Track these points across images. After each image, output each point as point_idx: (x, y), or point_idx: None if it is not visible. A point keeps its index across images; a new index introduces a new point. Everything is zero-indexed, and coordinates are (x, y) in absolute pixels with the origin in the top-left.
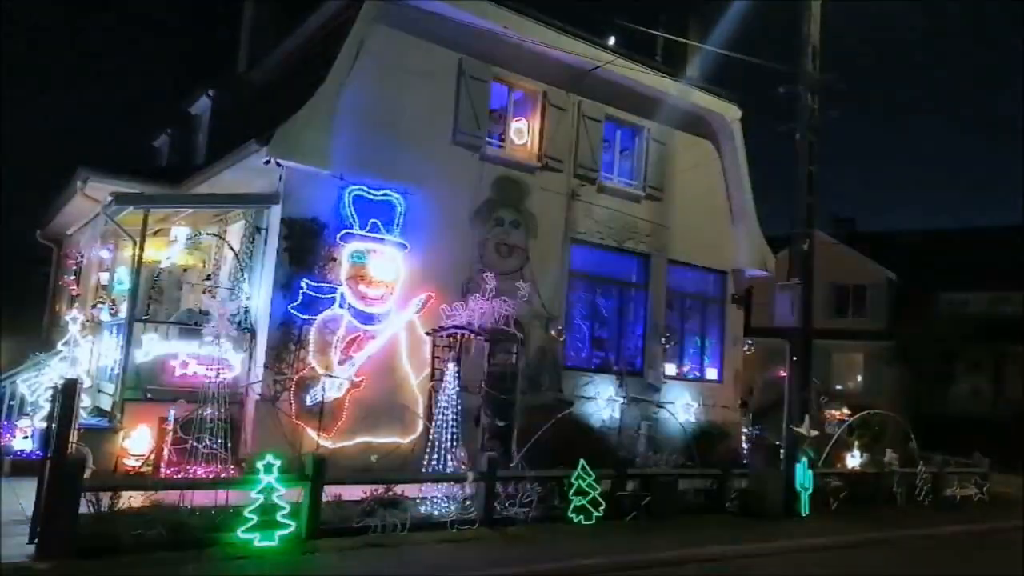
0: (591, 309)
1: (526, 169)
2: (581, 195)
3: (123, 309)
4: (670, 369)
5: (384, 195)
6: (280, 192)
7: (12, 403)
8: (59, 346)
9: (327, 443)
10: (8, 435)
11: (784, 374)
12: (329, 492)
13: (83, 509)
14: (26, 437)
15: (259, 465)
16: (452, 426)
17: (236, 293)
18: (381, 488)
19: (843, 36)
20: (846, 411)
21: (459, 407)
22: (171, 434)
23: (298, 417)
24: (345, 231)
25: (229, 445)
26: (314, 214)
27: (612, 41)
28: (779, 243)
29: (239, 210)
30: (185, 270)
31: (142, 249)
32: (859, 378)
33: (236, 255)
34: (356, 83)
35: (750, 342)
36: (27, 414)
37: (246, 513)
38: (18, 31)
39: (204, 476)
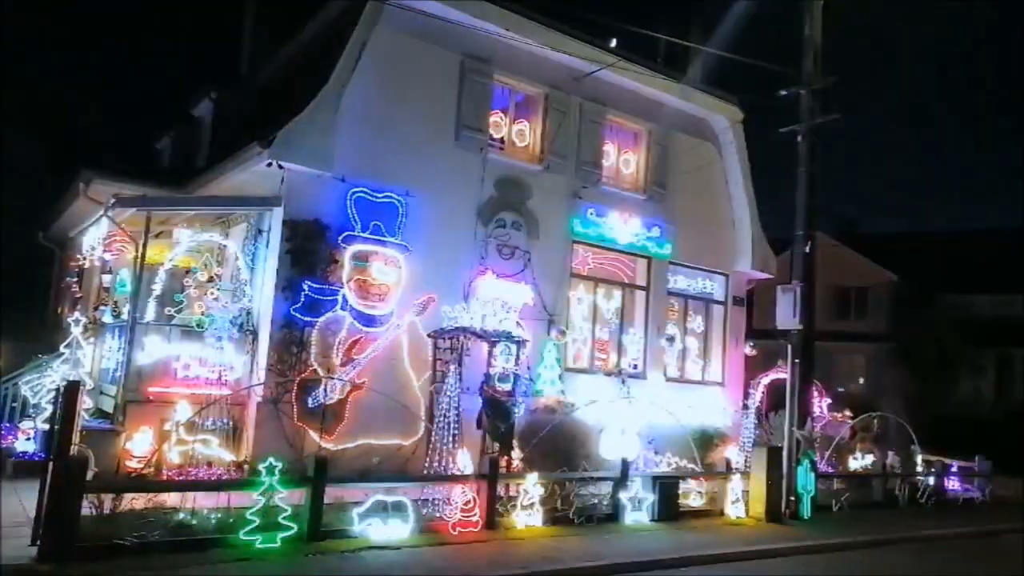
0: (592, 310)
1: (528, 171)
2: (583, 196)
3: (125, 311)
4: (671, 371)
5: (386, 197)
6: (282, 194)
7: (15, 405)
8: (61, 348)
9: (328, 445)
10: (11, 437)
11: (786, 376)
12: (331, 494)
13: (85, 511)
14: (28, 439)
15: (261, 467)
16: (453, 428)
17: (238, 295)
18: (383, 490)
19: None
20: (848, 413)
21: (460, 409)
22: (173, 436)
23: (300, 419)
24: (347, 233)
25: (231, 447)
26: (316, 216)
27: (614, 43)
28: (781, 245)
29: (241, 212)
30: (187, 272)
31: (144, 251)
32: (861, 380)
33: (238, 257)
34: (358, 85)
35: (752, 344)
36: (30, 416)
37: (248, 515)
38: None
39: (206, 478)
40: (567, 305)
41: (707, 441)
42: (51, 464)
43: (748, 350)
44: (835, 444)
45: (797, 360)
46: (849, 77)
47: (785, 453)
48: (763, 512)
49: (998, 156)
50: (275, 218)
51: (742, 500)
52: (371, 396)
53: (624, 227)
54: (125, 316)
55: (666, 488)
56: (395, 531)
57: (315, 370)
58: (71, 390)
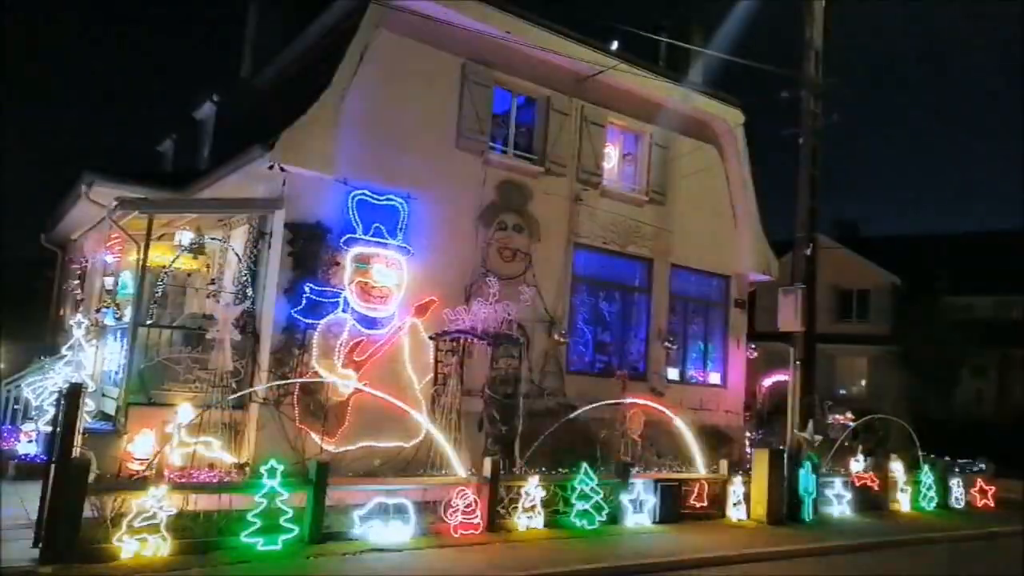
0: (594, 313)
1: (529, 173)
2: (584, 199)
3: (127, 313)
4: (673, 373)
5: (387, 199)
6: (284, 197)
7: (17, 407)
8: (64, 350)
9: (330, 447)
10: (13, 439)
11: (787, 378)
12: (332, 496)
13: (87, 513)
14: (31, 441)
15: (262, 469)
16: (455, 430)
17: (240, 297)
18: (384, 492)
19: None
20: (850, 415)
21: (462, 411)
22: (175, 438)
23: (301, 421)
24: (348, 236)
25: (232, 449)
26: (318, 219)
27: (615, 46)
28: (782, 247)
29: (243, 215)
30: (189, 274)
31: (146, 253)
32: (863, 382)
33: (240, 259)
34: (359, 88)
35: (753, 346)
36: (32, 418)
37: (249, 517)
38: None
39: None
40: (568, 307)
41: (708, 443)
42: (53, 466)
43: (749, 352)
44: (837, 445)
45: (799, 362)
46: (852, 79)
47: (787, 455)
48: (765, 514)
49: (998, 156)
50: (277, 220)
51: (744, 502)
52: (373, 398)
53: (625, 229)
54: (127, 318)
55: (667, 490)
56: (396, 533)
57: (316, 372)
58: (73, 392)
